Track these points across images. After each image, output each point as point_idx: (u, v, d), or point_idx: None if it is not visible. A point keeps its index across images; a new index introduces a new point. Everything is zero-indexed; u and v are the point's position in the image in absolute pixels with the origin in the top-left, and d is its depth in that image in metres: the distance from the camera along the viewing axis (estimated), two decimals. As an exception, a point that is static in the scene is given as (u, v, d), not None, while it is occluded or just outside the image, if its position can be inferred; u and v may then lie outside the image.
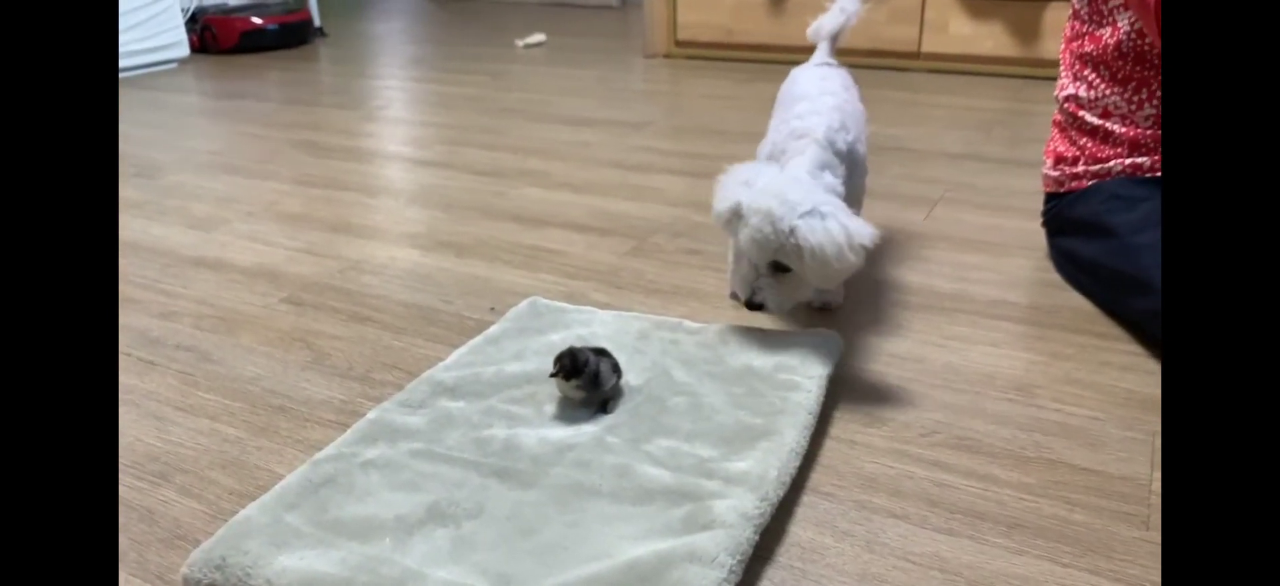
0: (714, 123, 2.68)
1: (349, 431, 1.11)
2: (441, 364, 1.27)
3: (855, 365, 1.31)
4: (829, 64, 1.59)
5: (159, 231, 1.92)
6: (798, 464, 1.04)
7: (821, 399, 1.16)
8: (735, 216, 1.22)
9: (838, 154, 1.32)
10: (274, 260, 1.75)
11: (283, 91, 3.28)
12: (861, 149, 1.41)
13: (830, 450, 1.12)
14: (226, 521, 0.97)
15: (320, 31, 4.47)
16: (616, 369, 1.18)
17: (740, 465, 1.02)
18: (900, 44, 3.32)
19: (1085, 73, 1.51)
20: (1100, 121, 1.49)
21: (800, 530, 0.99)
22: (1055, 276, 1.58)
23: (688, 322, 1.35)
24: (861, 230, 1.17)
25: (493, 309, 1.52)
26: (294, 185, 2.21)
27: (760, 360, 1.25)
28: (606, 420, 1.13)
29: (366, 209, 2.02)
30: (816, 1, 1.72)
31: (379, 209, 2.02)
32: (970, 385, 1.26)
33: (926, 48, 3.28)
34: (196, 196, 2.15)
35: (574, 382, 1.13)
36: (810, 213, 1.16)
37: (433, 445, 1.08)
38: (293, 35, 4.21)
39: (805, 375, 1.19)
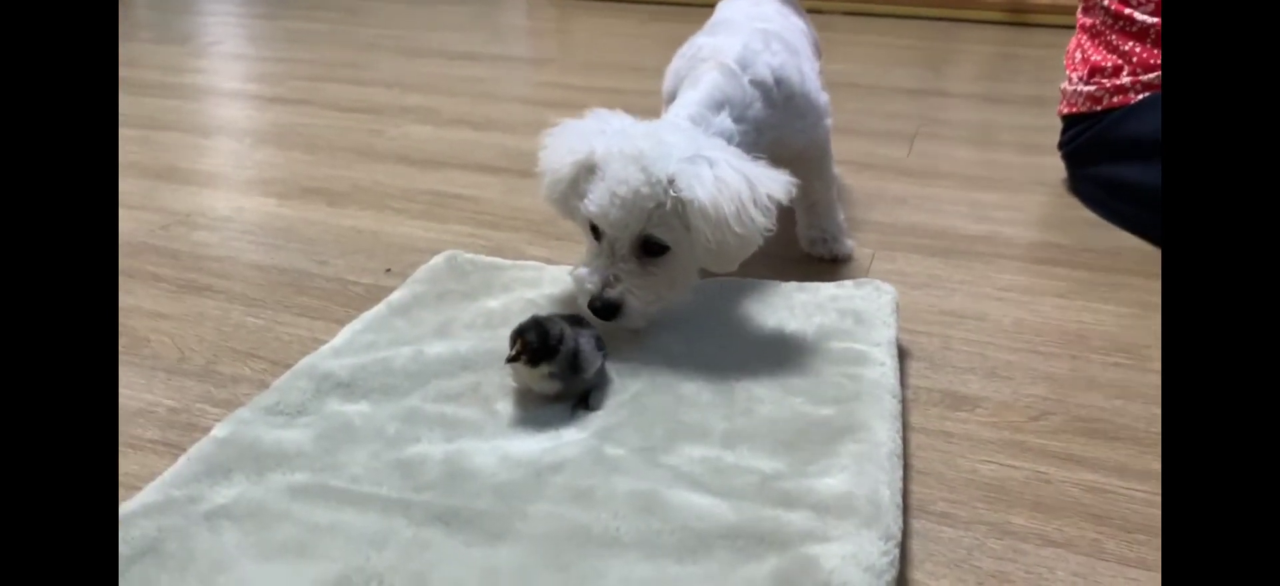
0: (628, 59, 2.30)
1: (184, 458, 0.68)
2: (326, 347, 0.84)
3: (906, 327, 0.97)
4: None
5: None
6: (901, 473, 0.69)
7: (898, 374, 0.81)
8: (584, 174, 0.82)
9: (758, 85, 0.94)
10: (65, 214, 1.25)
11: (85, 26, 2.66)
12: (807, 85, 1.01)
13: (921, 447, 0.78)
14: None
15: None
16: (600, 344, 0.79)
17: (829, 482, 0.66)
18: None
19: (1132, -40, 1.23)
20: (1154, 19, 1.21)
21: (926, 580, 0.64)
22: (1088, 213, 1.30)
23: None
24: (768, 179, 0.80)
25: (389, 270, 1.10)
26: (97, 125, 1.67)
27: (797, 323, 0.89)
28: (595, 420, 0.75)
29: (199, 151, 1.53)
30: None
31: (216, 151, 1.54)
32: (1061, 347, 0.94)
33: (840, -11, 3.01)
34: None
35: (545, 368, 0.74)
36: (692, 158, 0.79)
37: (326, 475, 0.67)
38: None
39: (868, 341, 0.84)
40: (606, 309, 0.82)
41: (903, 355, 0.91)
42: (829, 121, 1.05)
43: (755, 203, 0.78)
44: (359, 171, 1.44)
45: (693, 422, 0.74)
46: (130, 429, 0.78)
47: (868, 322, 0.88)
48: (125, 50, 2.34)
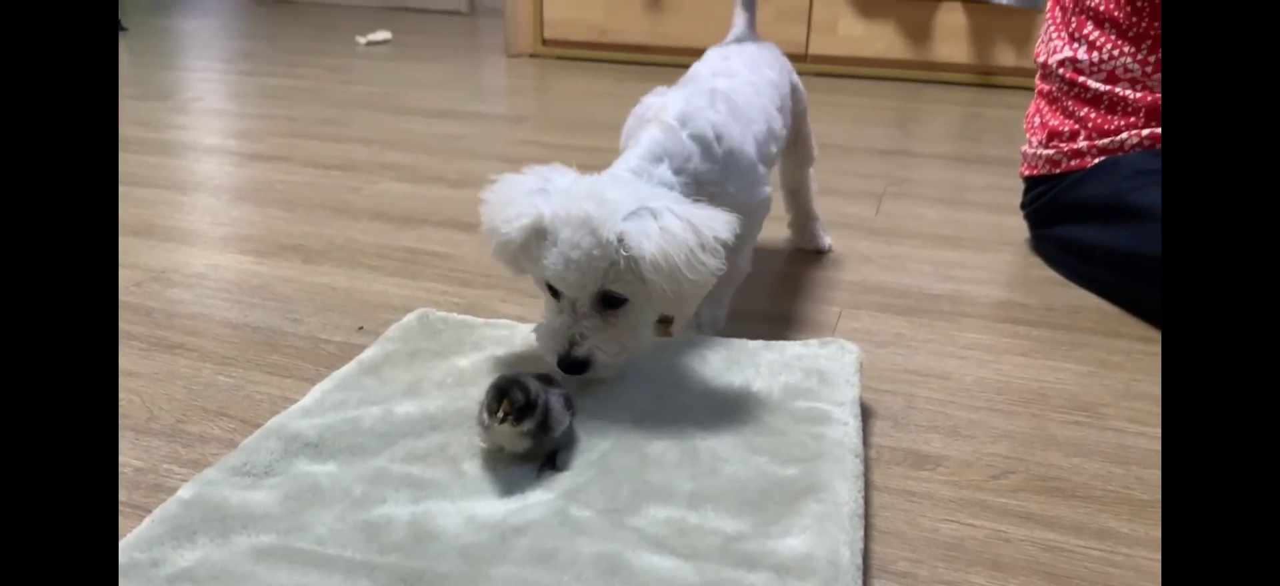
0: (605, 117, 2.34)
1: (148, 520, 0.68)
2: (296, 406, 0.85)
3: (869, 386, 0.99)
4: (740, 41, 1.26)
5: None
6: (862, 533, 0.70)
7: (860, 435, 0.83)
8: (534, 238, 0.83)
9: (698, 139, 0.94)
10: (38, 271, 1.25)
11: (65, 81, 2.67)
12: (748, 147, 1.00)
13: (883, 506, 0.79)
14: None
15: (118, 24, 3.81)
16: (569, 404, 0.80)
17: (791, 543, 0.67)
18: (787, 44, 3.06)
19: (1085, 31, 1.27)
20: (1107, 87, 1.25)
21: (888, 638, 0.65)
22: (1052, 272, 1.33)
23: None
24: (711, 221, 0.82)
25: (361, 327, 1.10)
26: (74, 181, 1.68)
27: (761, 382, 0.90)
28: (561, 481, 0.76)
29: (176, 208, 1.54)
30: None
31: (194, 208, 1.55)
32: (1021, 406, 0.96)
33: (814, 50, 3.08)
34: (-71, 193, 1.58)
35: (526, 425, 0.75)
36: (637, 213, 0.81)
37: (291, 537, 0.67)
38: (81, 24, 3.54)
39: (832, 401, 0.86)
40: (575, 366, 0.84)
41: (867, 414, 0.92)
42: (766, 191, 1.05)
43: (703, 247, 0.80)
44: (335, 228, 1.46)
45: (658, 483, 0.75)
46: (96, 489, 0.78)
47: (831, 382, 0.89)
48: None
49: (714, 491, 0.74)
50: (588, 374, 0.85)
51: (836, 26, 3.04)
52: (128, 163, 1.81)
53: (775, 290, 1.25)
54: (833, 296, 1.23)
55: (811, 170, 1.37)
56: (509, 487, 0.74)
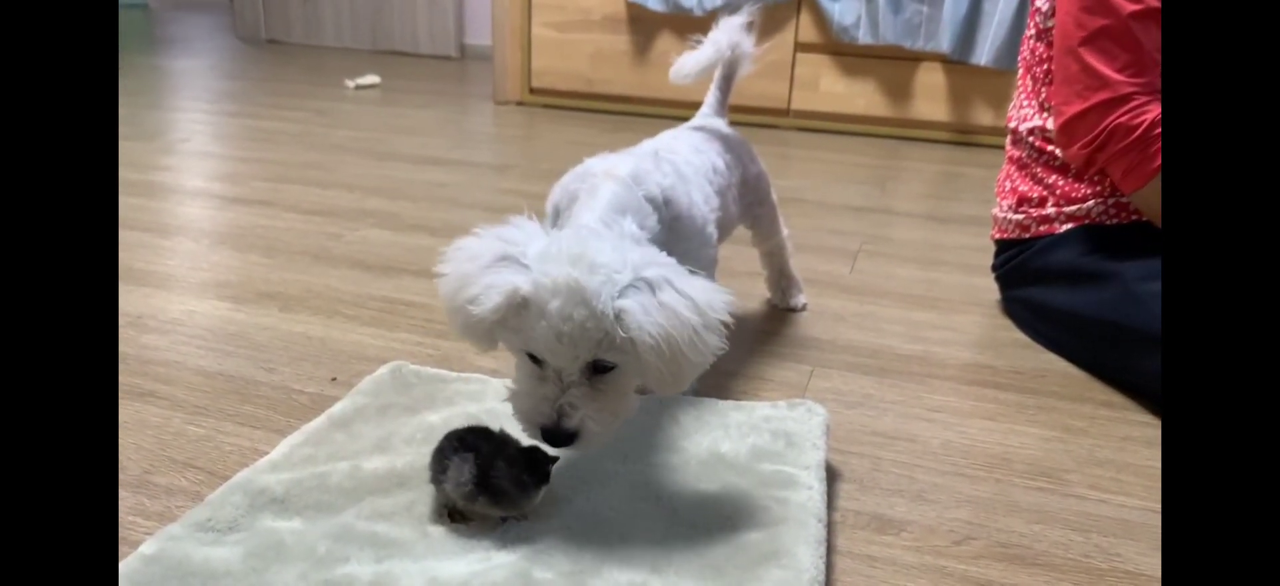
0: (586, 168, 2.36)
1: (107, 578, 0.68)
2: (264, 460, 0.85)
3: (837, 448, 1.00)
4: (703, 129, 1.26)
5: None
6: (822, 599, 0.71)
7: (825, 500, 0.83)
8: (516, 310, 0.76)
9: (650, 201, 0.94)
10: (13, 314, 1.25)
11: (51, 119, 2.68)
12: (694, 211, 1.01)
13: (846, 571, 0.80)
14: None
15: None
16: (538, 472, 0.79)
17: (750, 609, 0.67)
18: (769, 100, 3.15)
19: (1054, 100, 1.30)
20: (1075, 155, 1.28)
21: (844, 707, 0.65)
22: (1019, 334, 1.36)
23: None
24: (712, 297, 0.78)
25: (334, 378, 1.11)
26: (54, 222, 1.68)
27: (730, 444, 0.91)
28: (525, 541, 0.76)
29: (155, 252, 1.55)
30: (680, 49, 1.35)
31: (174, 252, 1.55)
32: (985, 470, 0.98)
33: (796, 105, 3.13)
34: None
35: (489, 501, 0.76)
36: (635, 284, 0.76)
37: (253, 596, 0.67)
38: (70, 61, 3.56)
39: (798, 464, 0.87)
40: (564, 438, 0.78)
41: (833, 476, 0.93)
42: (713, 251, 1.06)
43: (707, 327, 0.76)
44: (314, 275, 1.46)
45: (622, 546, 0.76)
46: (59, 542, 0.78)
47: (798, 445, 0.90)
48: (90, 145, 2.36)
49: (677, 556, 0.75)
50: (576, 445, 0.78)
51: (818, 83, 3.09)
52: (109, 204, 1.81)
53: (748, 348, 1.26)
54: (805, 355, 1.25)
55: (784, 235, 1.39)
56: (472, 547, 0.75)
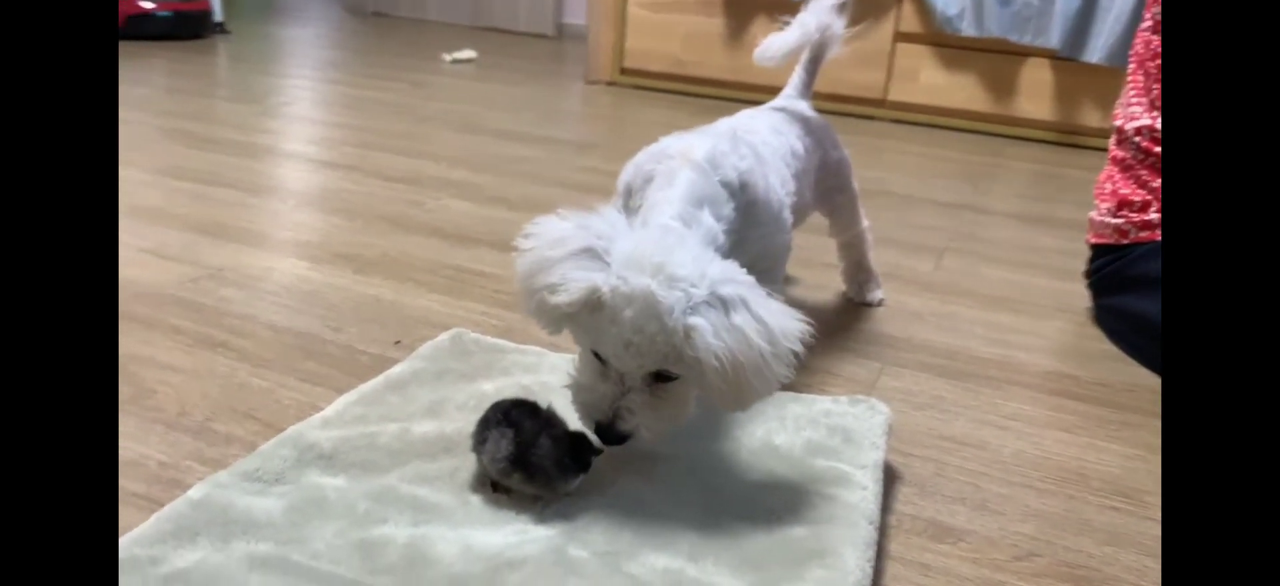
0: (670, 150, 2.34)
1: (155, 517, 0.70)
2: (318, 416, 0.87)
3: (900, 449, 0.96)
4: (785, 110, 1.22)
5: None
6: (865, 605, 0.68)
7: (880, 502, 0.80)
8: (591, 309, 0.75)
9: (726, 186, 0.91)
10: (106, 260, 1.31)
11: (167, 80, 2.81)
12: (770, 195, 0.98)
13: (896, 578, 0.76)
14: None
15: (221, 27, 3.99)
16: (579, 458, 0.77)
17: (785, 607, 0.65)
18: (865, 89, 3.06)
19: (1163, 98, 1.22)
20: (1183, 158, 1.20)
21: None
22: (1109, 346, 1.28)
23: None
24: (788, 325, 0.75)
25: (398, 342, 1.12)
26: (156, 175, 1.76)
27: (785, 435, 0.88)
28: (563, 516, 0.75)
29: (245, 209, 1.59)
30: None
31: (262, 210, 1.60)
32: (1057, 484, 0.92)
33: (893, 96, 3.03)
34: (21, 177, 1.67)
35: (500, 463, 0.75)
36: (710, 301, 0.73)
37: (289, 548, 0.68)
38: (187, 25, 3.71)
39: (854, 462, 0.83)
40: (616, 438, 0.77)
41: (892, 478, 0.89)
42: (787, 236, 1.03)
43: (777, 356, 0.74)
44: (391, 240, 1.49)
45: (662, 530, 0.74)
46: (125, 480, 0.80)
47: (856, 443, 0.87)
48: (198, 104, 2.46)
49: (717, 545, 0.72)
50: (628, 441, 0.78)
51: (918, 75, 2.99)
52: (207, 161, 1.88)
53: (818, 342, 1.22)
54: (876, 352, 1.20)
55: (864, 226, 1.34)
56: (511, 519, 0.74)
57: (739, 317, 0.73)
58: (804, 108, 1.28)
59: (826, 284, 1.43)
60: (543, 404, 0.80)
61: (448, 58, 3.66)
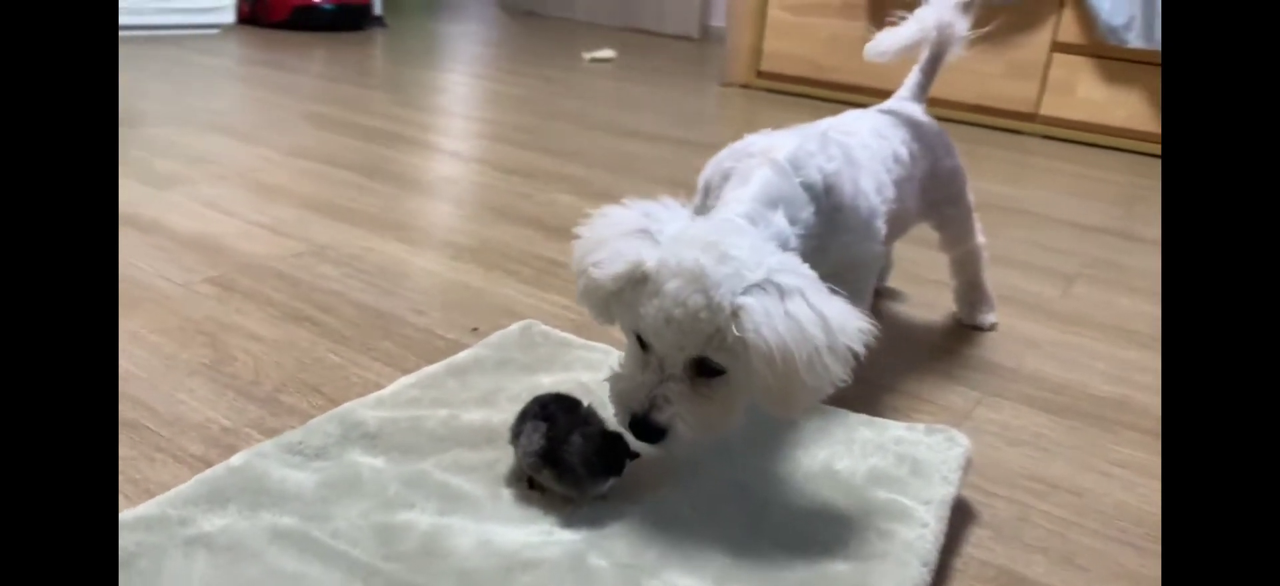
0: (793, 155, 2.27)
1: (194, 479, 0.71)
2: (372, 395, 0.87)
3: (982, 487, 0.87)
4: (893, 113, 1.14)
5: (104, 181, 1.57)
6: (902, 655, 0.61)
7: (940, 543, 0.72)
8: (634, 283, 0.72)
9: (808, 188, 0.86)
10: (221, 231, 1.38)
11: (318, 67, 2.96)
12: (859, 201, 0.91)
13: (950, 629, 0.69)
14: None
15: (380, 21, 4.19)
16: (610, 460, 0.74)
17: (805, 647, 0.59)
18: (1015, 102, 2.88)
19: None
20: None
21: None
22: (1257, 397, 1.13)
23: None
24: (848, 321, 0.70)
25: (475, 329, 1.12)
26: (286, 156, 1.85)
27: (848, 461, 0.82)
28: (592, 520, 0.72)
29: (359, 191, 1.65)
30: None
31: (376, 193, 1.65)
32: (1158, 544, 0.81)
33: (1046, 110, 2.83)
34: (167, 152, 1.80)
35: (553, 475, 0.73)
36: (764, 285, 0.69)
37: (312, 524, 0.68)
38: (348, 18, 3.92)
39: (918, 497, 0.76)
40: (651, 432, 0.72)
41: (965, 518, 0.81)
42: (877, 247, 0.95)
43: (833, 351, 0.68)
44: (492, 229, 1.50)
45: (692, 548, 0.69)
46: (180, 440, 0.83)
47: (924, 475, 0.79)
48: (339, 90, 2.58)
49: (749, 571, 0.67)
50: (662, 443, 0.73)
51: (1075, 88, 2.78)
52: (338, 145, 1.96)
53: (914, 363, 1.14)
54: (977, 380, 1.11)
55: (979, 242, 1.24)
56: (537, 518, 0.71)
57: (794, 305, 0.68)
58: (916, 111, 1.20)
59: (936, 303, 1.33)
60: (588, 401, 0.77)
61: (586, 56, 3.70)
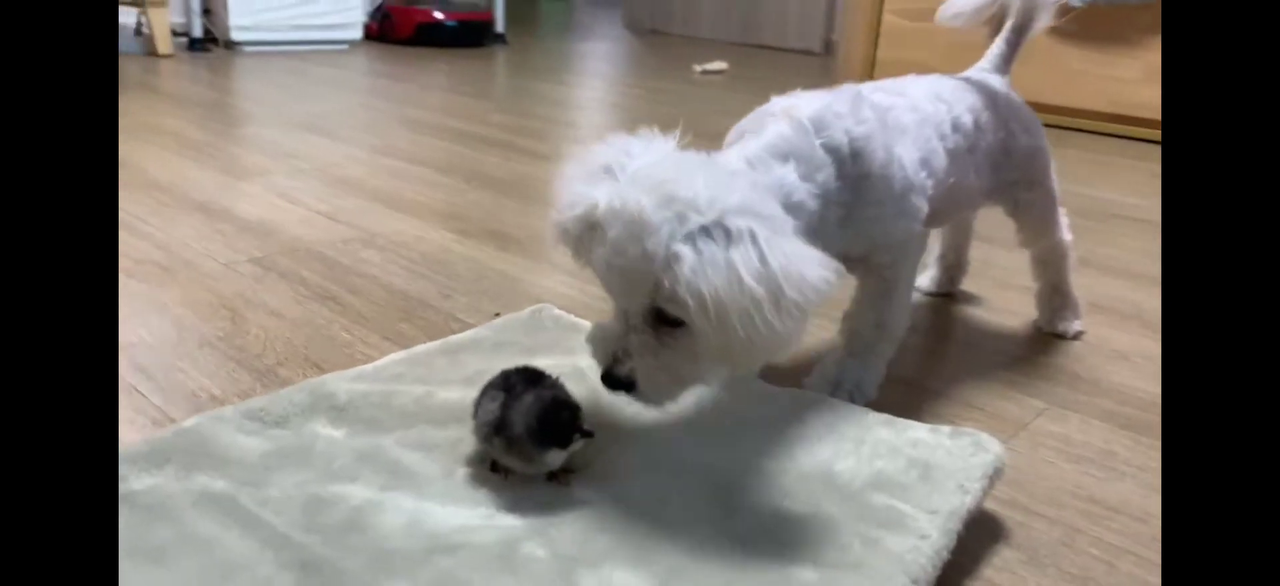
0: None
1: (141, 439, 0.69)
2: (355, 369, 0.84)
3: (1024, 504, 0.75)
4: (966, 79, 1.03)
5: (190, 172, 1.63)
6: (859, 681, 0.52)
7: (942, 559, 0.62)
8: (589, 228, 0.68)
9: (831, 151, 0.77)
10: (283, 218, 1.40)
11: (430, 78, 3.04)
12: (892, 170, 0.81)
13: (940, 659, 0.58)
14: None
15: (501, 37, 4.28)
16: (554, 428, 0.67)
17: (733, 660, 0.51)
18: (1154, 110, 2.63)
19: None
20: None
21: None
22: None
23: (758, 382, 0.85)
24: (803, 272, 0.62)
25: (498, 313, 1.08)
26: (371, 153, 1.88)
27: (852, 461, 0.72)
28: (542, 505, 0.65)
29: (429, 187, 1.65)
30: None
31: (442, 187, 1.64)
32: (1240, 587, 0.67)
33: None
34: (257, 147, 1.86)
35: (503, 445, 0.67)
36: (710, 229, 0.62)
37: (244, 492, 0.64)
38: (471, 34, 4.03)
39: (922, 505, 0.66)
40: (616, 384, 0.70)
41: (992, 536, 0.70)
42: (913, 224, 0.84)
43: (777, 305, 0.61)
44: (540, 221, 1.45)
45: (647, 542, 0.62)
46: (168, 407, 0.82)
47: (934, 481, 0.68)
48: (442, 98, 2.62)
49: (700, 572, 0.59)
50: (636, 399, 0.70)
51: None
52: (422, 145, 1.98)
53: (971, 368, 1.02)
54: (1044, 389, 0.97)
55: (1065, 239, 1.11)
56: (483, 502, 0.65)
57: (738, 253, 0.61)
58: (996, 81, 1.08)
59: (1018, 309, 1.20)
60: (579, 390, 0.71)
61: (697, 68, 3.65)
